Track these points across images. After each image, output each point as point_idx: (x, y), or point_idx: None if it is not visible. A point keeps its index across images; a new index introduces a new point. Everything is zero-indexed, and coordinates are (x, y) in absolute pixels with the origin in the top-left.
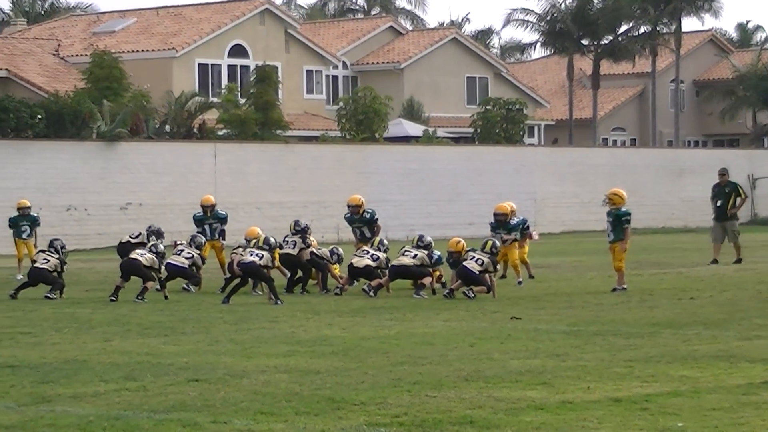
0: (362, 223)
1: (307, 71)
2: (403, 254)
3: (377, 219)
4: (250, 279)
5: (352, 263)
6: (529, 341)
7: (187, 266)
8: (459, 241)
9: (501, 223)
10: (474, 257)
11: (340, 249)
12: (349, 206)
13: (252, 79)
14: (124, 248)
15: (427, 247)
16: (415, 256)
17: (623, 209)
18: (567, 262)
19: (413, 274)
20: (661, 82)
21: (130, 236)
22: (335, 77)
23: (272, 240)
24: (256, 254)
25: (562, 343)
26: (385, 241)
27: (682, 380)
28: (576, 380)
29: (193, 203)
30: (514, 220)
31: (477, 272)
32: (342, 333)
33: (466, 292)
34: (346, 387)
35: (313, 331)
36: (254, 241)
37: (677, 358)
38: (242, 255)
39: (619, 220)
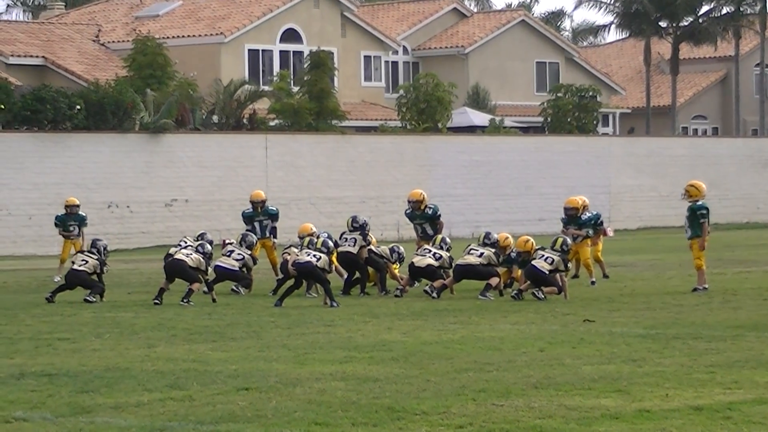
0: (424, 219)
1: (365, 57)
2: (468, 253)
3: (440, 215)
4: (304, 280)
5: (413, 262)
6: (603, 345)
7: (237, 268)
8: (528, 240)
9: (571, 218)
10: (543, 256)
11: (400, 248)
12: (409, 201)
13: (306, 65)
14: None
15: (494, 245)
16: (482, 254)
17: (699, 203)
18: (644, 261)
19: (479, 274)
20: (745, 66)
21: (180, 246)
22: (395, 63)
23: (330, 243)
24: (313, 254)
25: (638, 348)
26: (448, 239)
27: None
28: (654, 387)
29: (243, 199)
30: (586, 215)
31: (546, 272)
32: (402, 338)
33: (536, 293)
34: (407, 395)
35: (372, 336)
36: (308, 238)
37: (763, 363)
38: (297, 254)
39: (694, 215)
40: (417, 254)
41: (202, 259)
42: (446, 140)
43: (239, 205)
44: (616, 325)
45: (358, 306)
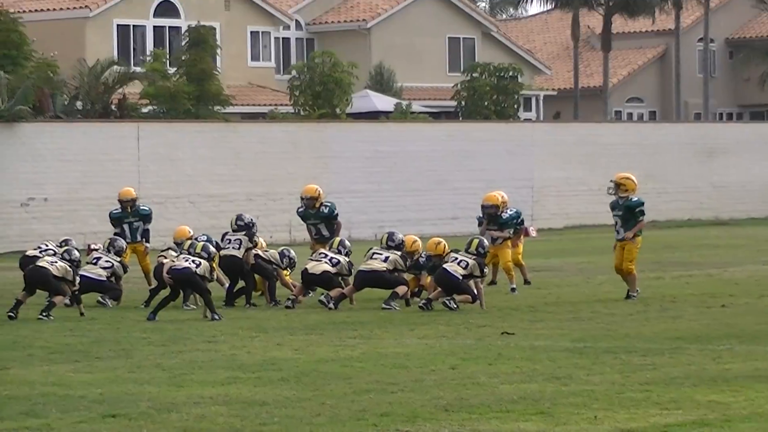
0: (319, 219)
1: (252, 33)
2: (371, 257)
3: (337, 214)
4: (181, 290)
5: (306, 269)
6: (524, 361)
7: (104, 278)
8: (439, 242)
9: (491, 216)
10: (457, 259)
11: (291, 251)
12: (303, 198)
13: (184, 43)
14: (28, 263)
15: (399, 247)
16: (387, 259)
17: (635, 198)
18: (572, 264)
19: (385, 282)
20: (687, 41)
21: (41, 249)
22: (287, 40)
23: (212, 248)
24: (192, 260)
25: (564, 364)
26: (347, 242)
27: (711, 406)
28: (581, 408)
29: (111, 197)
30: (507, 214)
31: (460, 277)
32: (294, 355)
33: (447, 303)
34: (299, 421)
35: (259, 353)
36: (189, 243)
37: (705, 380)
38: (174, 260)
39: (631, 212)
40: (311, 259)
41: (68, 268)
42: (346, 128)
43: (107, 204)
44: (539, 338)
45: (244, 319)
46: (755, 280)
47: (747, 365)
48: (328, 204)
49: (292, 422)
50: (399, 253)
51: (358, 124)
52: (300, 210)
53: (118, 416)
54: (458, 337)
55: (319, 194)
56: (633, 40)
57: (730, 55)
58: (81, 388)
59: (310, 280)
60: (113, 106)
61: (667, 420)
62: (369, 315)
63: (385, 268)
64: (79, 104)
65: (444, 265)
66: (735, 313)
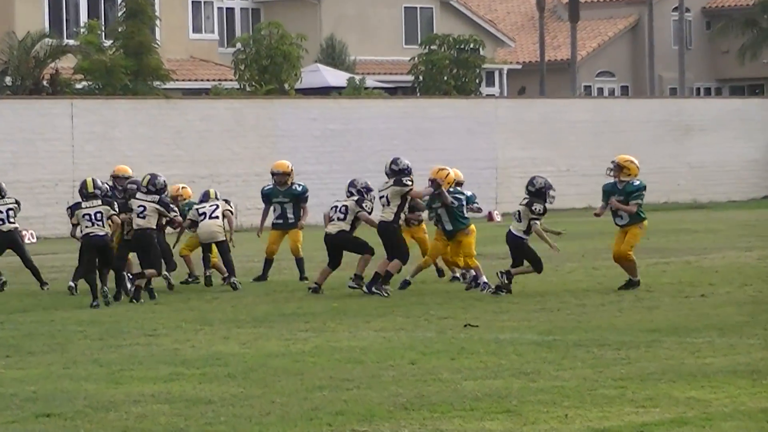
0: (289, 197)
1: (194, 2)
2: (334, 215)
3: (308, 197)
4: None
5: (326, 232)
6: (488, 356)
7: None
8: (443, 169)
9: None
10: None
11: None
12: (274, 174)
13: (120, 14)
14: None
15: (361, 191)
16: (345, 212)
17: (636, 182)
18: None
19: (351, 244)
20: (661, 11)
21: None
22: (231, 10)
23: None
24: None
25: (531, 358)
26: (358, 182)
27: (690, 404)
28: (550, 406)
29: (43, 180)
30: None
31: (525, 237)
32: (241, 349)
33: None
34: (247, 420)
35: (204, 348)
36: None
37: (683, 375)
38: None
39: (631, 197)
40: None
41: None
42: (295, 105)
43: (38, 187)
44: (505, 331)
45: (187, 311)
46: (736, 267)
47: (728, 359)
48: (301, 184)
49: (239, 422)
50: (356, 198)
51: (308, 100)
52: (266, 189)
53: (52, 416)
54: (418, 330)
55: (291, 170)
56: (603, 9)
57: (707, 25)
58: (13, 385)
59: (331, 243)
60: (45, 82)
61: (644, 419)
62: (321, 306)
63: (348, 226)
64: (8, 80)
65: (510, 227)
66: (715, 304)
